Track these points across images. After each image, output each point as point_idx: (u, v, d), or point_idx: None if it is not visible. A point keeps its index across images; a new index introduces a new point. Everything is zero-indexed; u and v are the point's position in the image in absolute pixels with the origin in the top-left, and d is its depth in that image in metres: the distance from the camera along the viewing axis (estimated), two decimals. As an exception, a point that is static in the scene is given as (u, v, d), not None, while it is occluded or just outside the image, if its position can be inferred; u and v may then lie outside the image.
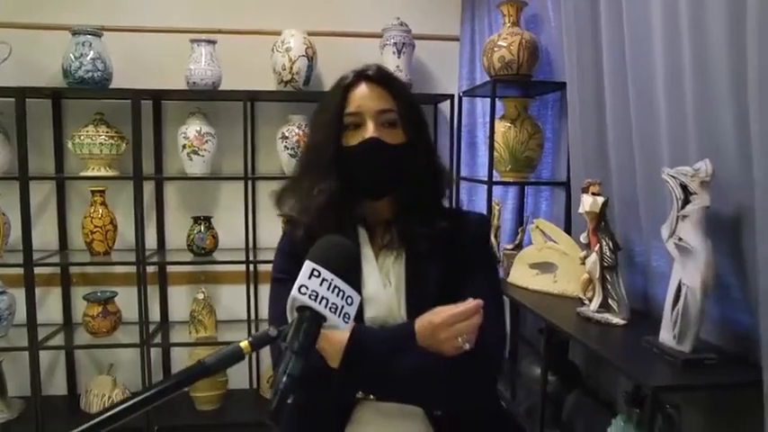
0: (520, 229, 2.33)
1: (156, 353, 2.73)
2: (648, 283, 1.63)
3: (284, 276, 0.98)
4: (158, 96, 2.63)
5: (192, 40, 2.46)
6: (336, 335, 0.79)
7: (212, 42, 2.47)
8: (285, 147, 2.54)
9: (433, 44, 2.81)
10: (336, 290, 0.69)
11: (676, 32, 1.39)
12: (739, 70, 1.20)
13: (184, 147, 2.50)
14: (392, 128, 0.96)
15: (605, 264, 1.58)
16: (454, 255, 0.96)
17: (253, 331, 2.64)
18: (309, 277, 0.68)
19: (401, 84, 1.02)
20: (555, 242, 1.93)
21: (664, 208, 1.35)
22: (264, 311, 2.78)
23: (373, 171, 0.96)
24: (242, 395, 2.78)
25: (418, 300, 0.90)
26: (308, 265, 0.69)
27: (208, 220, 2.58)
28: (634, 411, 1.38)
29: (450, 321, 0.80)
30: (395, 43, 2.54)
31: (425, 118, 1.04)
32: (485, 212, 2.12)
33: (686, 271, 1.29)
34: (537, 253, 1.97)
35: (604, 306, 1.59)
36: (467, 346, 0.80)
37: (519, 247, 2.20)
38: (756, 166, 1.15)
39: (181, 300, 2.80)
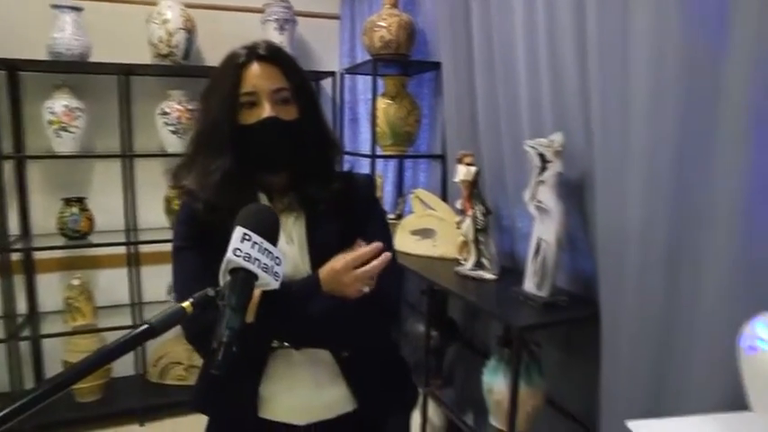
0: (401, 200, 2.49)
1: (25, 346, 2.53)
2: (514, 242, 1.85)
3: (188, 244, 1.02)
4: (15, 67, 2.40)
5: (54, 6, 2.28)
6: None
7: (77, 9, 2.31)
8: (165, 123, 2.47)
9: (314, 22, 2.86)
10: (266, 251, 0.76)
11: (533, 18, 1.59)
12: (583, 54, 1.42)
13: (51, 123, 2.33)
14: (286, 104, 1.01)
15: (478, 227, 1.77)
16: (348, 212, 1.05)
17: (137, 315, 2.56)
18: (242, 241, 0.75)
19: (293, 61, 1.07)
20: (433, 210, 2.11)
21: (526, 176, 1.56)
22: (149, 294, 2.71)
23: (271, 148, 1.01)
24: (127, 382, 2.70)
25: (320, 255, 0.98)
26: (239, 230, 0.75)
27: (81, 201, 2.44)
28: (504, 351, 1.59)
29: (351, 266, 0.90)
30: (277, 19, 2.56)
31: (316, 92, 1.11)
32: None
33: (544, 228, 1.51)
34: (417, 221, 2.14)
35: (478, 265, 1.79)
36: (366, 289, 0.91)
37: (400, 216, 2.35)
38: (596, 139, 1.38)
39: (52, 288, 2.62)
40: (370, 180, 1.18)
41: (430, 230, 2.10)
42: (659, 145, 1.19)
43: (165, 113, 2.47)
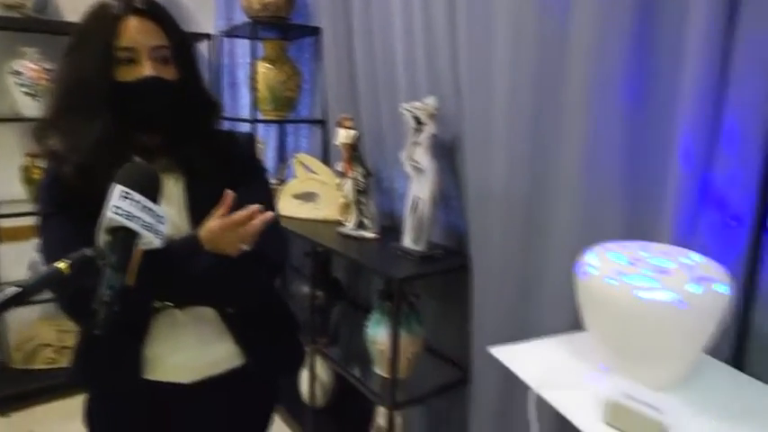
0: (282, 165, 2.49)
1: None
2: (393, 202, 1.95)
3: (55, 210, 0.96)
4: None
5: None
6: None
7: None
8: (18, 84, 2.24)
9: (186, -21, 2.72)
10: (147, 209, 0.75)
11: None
12: (453, 21, 1.52)
13: None
14: (165, 64, 0.97)
15: (359, 189, 1.84)
16: (229, 171, 1.04)
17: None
18: (122, 199, 0.73)
19: (172, 18, 1.02)
20: (315, 174, 2.14)
21: (403, 138, 1.64)
22: (6, 273, 2.48)
23: (152, 108, 0.97)
24: (-15, 369, 2.47)
25: (200, 216, 0.96)
26: (118, 189, 0.73)
27: None
28: (386, 304, 1.69)
29: (230, 225, 0.90)
30: (144, -26, 2.39)
31: (196, 52, 1.07)
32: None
33: (419, 187, 1.61)
34: (300, 185, 2.16)
35: (360, 225, 1.87)
36: (245, 247, 0.92)
37: (283, 181, 2.36)
38: (465, 103, 1.50)
39: None
40: (250, 138, 1.18)
41: (312, 194, 2.14)
42: (517, 112, 1.32)
43: (18, 73, 2.24)
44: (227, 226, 0.90)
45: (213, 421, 1.11)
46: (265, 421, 1.21)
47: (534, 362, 0.93)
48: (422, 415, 1.94)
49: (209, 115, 1.09)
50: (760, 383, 0.88)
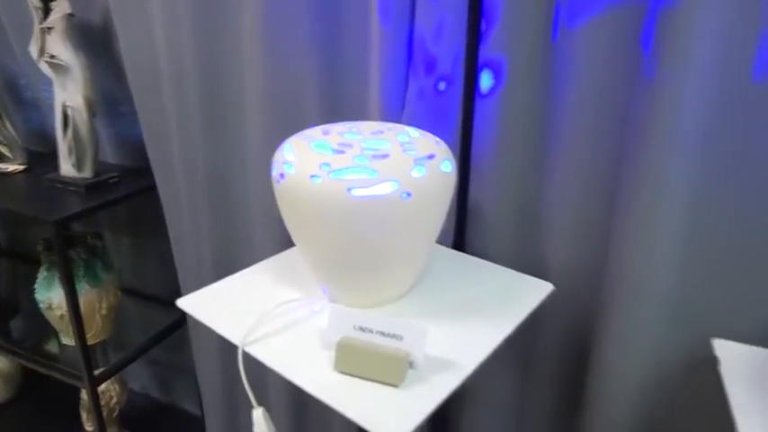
0: None
1: None
2: (44, 118, 1.44)
3: None
4: None
5: None
6: None
7: None
8: None
9: None
10: None
11: None
12: None
13: None
14: None
15: (-20, 104, 1.28)
16: None
17: None
18: None
19: None
20: None
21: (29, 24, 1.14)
22: None
23: None
24: None
25: None
26: None
27: None
28: (52, 257, 1.26)
29: None
30: None
31: None
32: None
33: (67, 92, 1.16)
34: None
35: (-5, 155, 1.33)
36: None
37: None
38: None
39: None
40: None
41: None
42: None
43: None
44: None
45: None
46: None
47: (237, 304, 0.69)
48: (140, 365, 1.62)
49: None
50: (485, 263, 0.79)
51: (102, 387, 1.40)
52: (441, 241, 0.84)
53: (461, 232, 0.85)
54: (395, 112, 0.82)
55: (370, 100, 0.85)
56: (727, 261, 0.66)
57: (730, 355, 0.65)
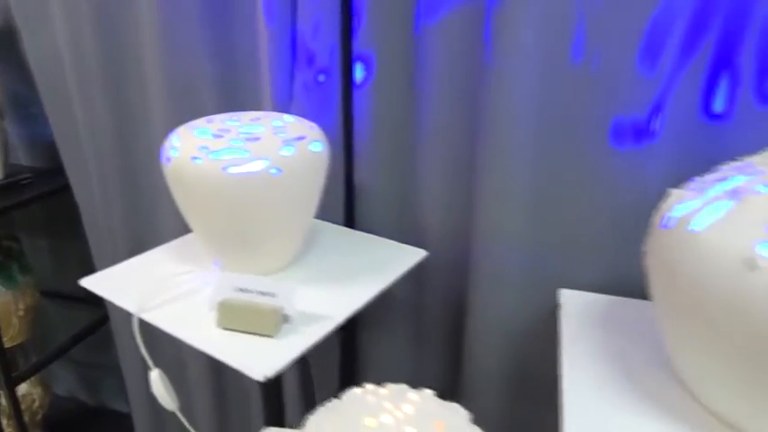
0: None
1: None
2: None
3: None
4: None
5: None
6: None
7: None
8: None
9: None
10: None
11: None
12: None
13: None
14: None
15: None
16: None
17: None
18: None
19: None
20: None
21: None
22: None
23: None
24: None
25: None
26: None
27: None
28: (-35, 259, 1.26)
29: None
30: None
31: None
32: None
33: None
34: None
35: None
36: None
37: None
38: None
39: None
40: None
41: None
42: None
43: None
44: None
45: None
46: None
47: (137, 280, 0.75)
48: (66, 369, 1.63)
49: None
50: (370, 236, 0.89)
51: (23, 391, 1.41)
52: (332, 219, 0.93)
53: (351, 211, 0.94)
54: (285, 103, 0.90)
55: (263, 93, 0.93)
56: (568, 219, 0.78)
57: (572, 301, 0.76)
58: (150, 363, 0.67)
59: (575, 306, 0.75)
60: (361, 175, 0.90)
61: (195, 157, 0.66)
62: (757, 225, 0.45)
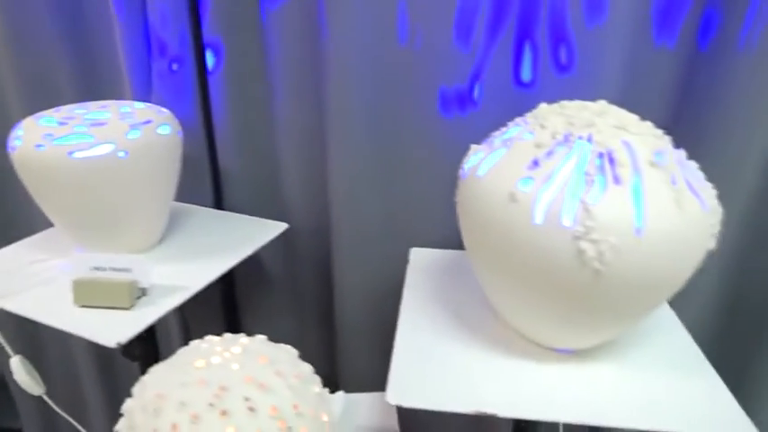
0: None
1: None
2: None
3: None
4: None
5: None
6: None
7: None
8: None
9: None
10: None
11: None
12: None
13: None
14: None
15: None
16: None
17: None
18: None
19: None
20: None
21: None
22: None
23: None
24: None
25: None
26: None
27: None
28: None
29: None
30: None
31: None
32: None
33: None
34: None
35: None
36: None
37: None
38: None
39: None
40: None
41: None
42: None
43: None
44: None
45: None
46: None
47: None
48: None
49: None
50: (236, 215, 0.93)
51: None
52: (202, 203, 0.97)
53: (219, 193, 0.98)
54: (144, 93, 0.93)
55: (124, 84, 0.95)
56: (411, 182, 0.86)
57: (419, 257, 0.85)
58: (10, 351, 0.68)
59: (420, 261, 0.84)
60: (223, 158, 0.94)
61: (39, 145, 0.67)
62: (520, 166, 0.55)
